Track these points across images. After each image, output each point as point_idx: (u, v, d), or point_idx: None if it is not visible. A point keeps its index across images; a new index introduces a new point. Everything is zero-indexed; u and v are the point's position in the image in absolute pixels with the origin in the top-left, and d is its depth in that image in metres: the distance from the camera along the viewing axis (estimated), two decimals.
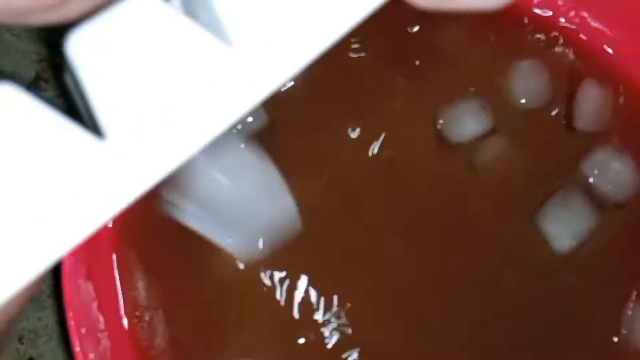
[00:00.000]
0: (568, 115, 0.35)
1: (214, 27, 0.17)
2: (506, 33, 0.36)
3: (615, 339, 0.32)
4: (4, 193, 0.16)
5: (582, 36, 0.37)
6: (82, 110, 0.18)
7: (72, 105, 0.18)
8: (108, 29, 0.17)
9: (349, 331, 0.31)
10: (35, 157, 0.16)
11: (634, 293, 0.32)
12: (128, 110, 0.17)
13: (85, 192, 0.16)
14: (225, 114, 0.17)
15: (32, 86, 0.40)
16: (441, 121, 0.35)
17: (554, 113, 0.36)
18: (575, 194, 0.34)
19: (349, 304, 0.31)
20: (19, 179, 0.16)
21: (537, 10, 0.37)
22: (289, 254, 0.31)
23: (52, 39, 0.41)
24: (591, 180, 0.34)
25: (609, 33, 0.37)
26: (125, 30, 0.17)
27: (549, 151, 0.35)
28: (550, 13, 0.37)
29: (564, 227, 0.33)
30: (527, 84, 0.35)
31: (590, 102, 0.35)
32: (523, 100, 0.35)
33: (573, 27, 0.37)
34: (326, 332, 0.31)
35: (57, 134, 0.16)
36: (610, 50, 0.37)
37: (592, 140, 0.35)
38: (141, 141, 0.17)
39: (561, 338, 0.32)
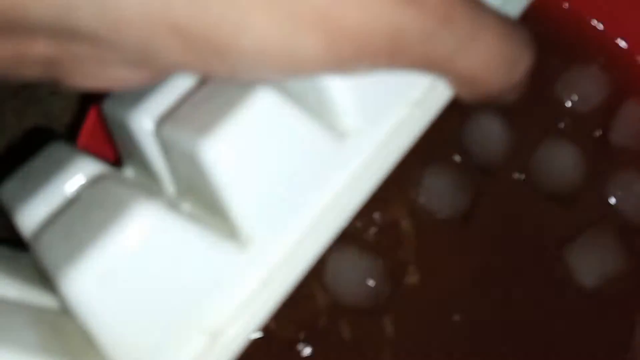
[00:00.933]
0: (605, 128, 0.35)
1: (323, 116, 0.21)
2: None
3: None
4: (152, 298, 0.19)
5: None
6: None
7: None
8: (240, 133, 0.19)
9: None
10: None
11: None
12: (264, 216, 0.20)
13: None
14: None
15: (27, 82, 0.39)
16: None
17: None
18: (608, 232, 0.33)
19: None
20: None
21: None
22: None
23: None
24: (613, 201, 0.34)
25: None
26: (255, 132, 0.20)
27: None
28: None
29: (592, 265, 0.32)
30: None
31: (632, 119, 0.35)
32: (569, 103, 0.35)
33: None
34: None
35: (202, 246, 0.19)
36: None
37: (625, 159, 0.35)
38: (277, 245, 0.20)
39: None
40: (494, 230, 0.33)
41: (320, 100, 0.21)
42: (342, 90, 0.20)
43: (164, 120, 0.21)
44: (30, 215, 0.22)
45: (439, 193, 0.33)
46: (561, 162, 0.34)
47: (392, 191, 0.32)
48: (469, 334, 0.31)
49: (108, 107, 0.24)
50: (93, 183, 0.21)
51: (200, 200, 0.21)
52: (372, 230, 0.32)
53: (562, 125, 0.35)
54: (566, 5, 0.37)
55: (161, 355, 0.19)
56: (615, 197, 0.34)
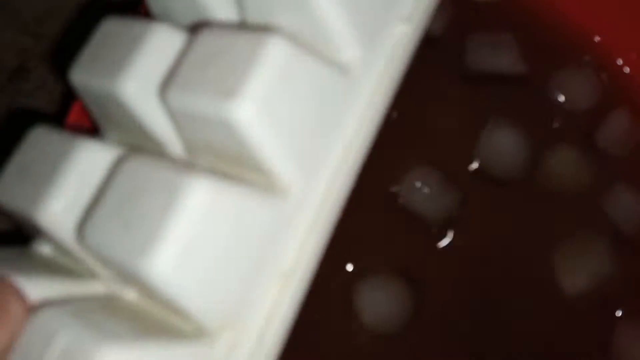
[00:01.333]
0: (591, 132, 0.35)
1: None
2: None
3: None
4: None
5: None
6: None
7: None
8: (265, 87, 0.20)
9: None
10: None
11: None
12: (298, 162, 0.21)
13: None
14: None
15: (14, 77, 0.38)
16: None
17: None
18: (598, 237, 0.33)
19: None
20: None
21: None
22: None
23: (37, 29, 0.39)
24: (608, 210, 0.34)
25: None
26: (278, 82, 0.20)
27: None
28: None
29: (578, 269, 0.33)
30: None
31: (620, 126, 0.35)
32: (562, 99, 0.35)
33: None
34: None
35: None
36: None
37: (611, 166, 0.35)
38: None
39: None
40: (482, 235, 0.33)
41: (318, 34, 0.21)
42: (336, 20, 0.21)
43: (168, 85, 0.21)
44: (57, 214, 0.21)
45: (426, 195, 0.33)
46: (562, 165, 0.34)
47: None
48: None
49: (78, 76, 0.23)
50: (118, 168, 0.20)
51: (222, 156, 0.21)
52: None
53: (556, 125, 0.35)
54: (559, 10, 0.37)
55: (245, 305, 0.20)
56: (609, 207, 0.34)
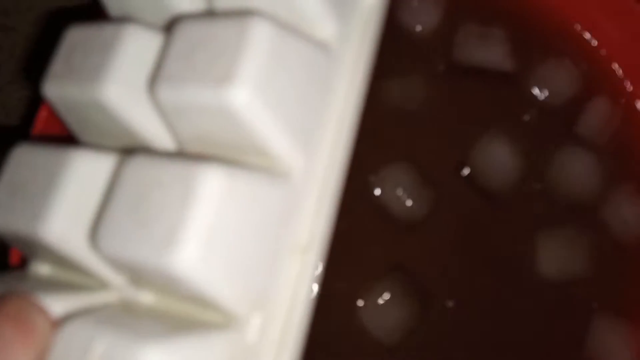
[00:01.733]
0: (572, 121, 0.35)
1: None
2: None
3: None
4: None
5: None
6: None
7: None
8: (258, 69, 0.20)
9: None
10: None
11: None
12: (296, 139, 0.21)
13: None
14: None
15: None
16: None
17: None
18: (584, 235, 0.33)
19: None
20: None
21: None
22: None
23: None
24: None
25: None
26: (267, 63, 0.20)
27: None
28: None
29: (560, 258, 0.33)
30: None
31: (600, 114, 0.35)
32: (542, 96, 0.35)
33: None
34: None
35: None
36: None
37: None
38: None
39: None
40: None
41: (292, 14, 0.22)
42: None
43: (156, 82, 0.21)
44: (62, 227, 0.21)
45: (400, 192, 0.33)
46: (574, 167, 0.34)
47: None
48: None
49: (52, 88, 0.23)
50: (123, 170, 0.20)
51: (219, 145, 0.21)
52: None
53: (527, 117, 0.35)
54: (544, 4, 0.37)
55: (270, 285, 0.21)
56: (606, 212, 0.34)
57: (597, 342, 0.32)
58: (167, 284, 0.20)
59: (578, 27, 0.36)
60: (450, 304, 0.32)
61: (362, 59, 0.23)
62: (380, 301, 0.31)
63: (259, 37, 0.20)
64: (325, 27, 0.23)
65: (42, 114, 0.27)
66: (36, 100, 0.27)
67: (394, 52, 0.33)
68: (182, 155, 0.22)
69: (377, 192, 0.33)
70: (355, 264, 0.32)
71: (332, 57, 0.23)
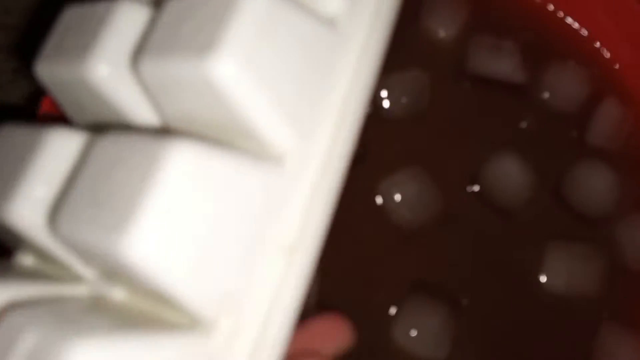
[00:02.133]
0: (581, 129, 0.34)
1: None
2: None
3: None
4: None
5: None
6: None
7: None
8: (246, 41, 0.18)
9: None
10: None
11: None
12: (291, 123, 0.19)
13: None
14: None
15: None
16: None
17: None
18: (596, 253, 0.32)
19: None
20: None
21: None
22: None
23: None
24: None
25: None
26: (259, 36, 0.18)
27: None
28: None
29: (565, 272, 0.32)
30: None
31: (610, 119, 0.34)
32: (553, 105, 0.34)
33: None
34: None
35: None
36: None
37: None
38: None
39: None
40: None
41: None
42: None
43: (139, 57, 0.19)
44: (25, 210, 0.19)
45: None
46: (587, 182, 0.33)
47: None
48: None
49: (43, 67, 0.21)
50: (90, 149, 0.18)
51: (205, 125, 0.19)
52: None
53: (538, 128, 0.34)
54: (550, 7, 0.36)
55: (245, 286, 0.18)
56: (621, 235, 0.33)
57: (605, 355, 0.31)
58: (130, 278, 0.17)
59: (591, 40, 0.35)
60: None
61: (372, 42, 0.21)
62: None
63: (251, 3, 0.18)
64: (333, 3, 0.20)
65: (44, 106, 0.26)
66: (37, 99, 0.26)
67: (409, 54, 0.33)
68: (155, 132, 0.19)
69: (380, 200, 0.32)
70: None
71: (337, 35, 0.20)
